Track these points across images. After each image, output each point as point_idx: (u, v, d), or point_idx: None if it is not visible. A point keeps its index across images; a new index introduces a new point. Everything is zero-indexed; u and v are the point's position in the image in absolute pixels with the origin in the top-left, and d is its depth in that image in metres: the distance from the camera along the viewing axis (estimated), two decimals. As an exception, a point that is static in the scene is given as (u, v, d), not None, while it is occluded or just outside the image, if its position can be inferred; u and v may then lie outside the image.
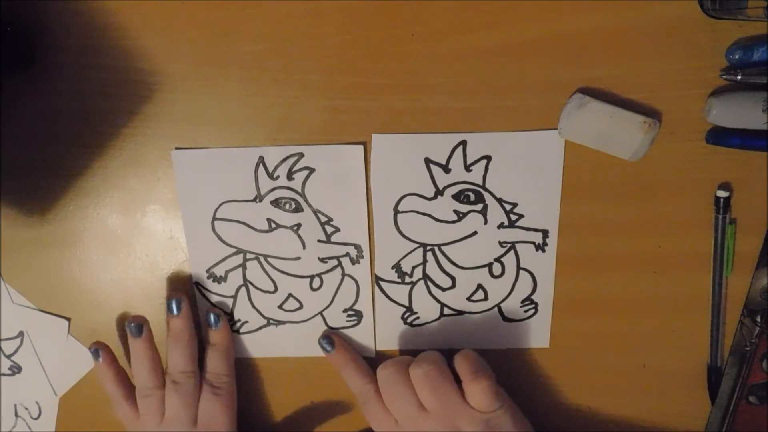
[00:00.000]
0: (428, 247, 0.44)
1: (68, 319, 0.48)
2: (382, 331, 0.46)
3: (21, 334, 0.48)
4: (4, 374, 0.50)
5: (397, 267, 0.44)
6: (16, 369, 0.50)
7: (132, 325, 0.45)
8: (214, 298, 0.46)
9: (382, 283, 0.45)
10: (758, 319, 0.43)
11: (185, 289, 0.46)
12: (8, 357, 0.49)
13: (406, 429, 0.41)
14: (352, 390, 0.45)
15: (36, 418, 0.51)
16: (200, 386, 0.44)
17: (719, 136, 0.40)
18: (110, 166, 0.43)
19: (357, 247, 0.44)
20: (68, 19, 0.40)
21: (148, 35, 0.40)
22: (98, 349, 0.46)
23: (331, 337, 0.46)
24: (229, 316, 0.47)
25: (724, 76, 0.38)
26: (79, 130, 0.43)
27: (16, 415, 0.51)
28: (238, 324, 0.47)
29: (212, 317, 0.45)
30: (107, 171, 0.44)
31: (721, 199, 0.41)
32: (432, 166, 0.42)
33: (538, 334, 0.45)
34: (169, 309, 0.45)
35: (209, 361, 0.45)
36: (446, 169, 0.42)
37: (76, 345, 0.48)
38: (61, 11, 0.40)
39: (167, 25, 0.40)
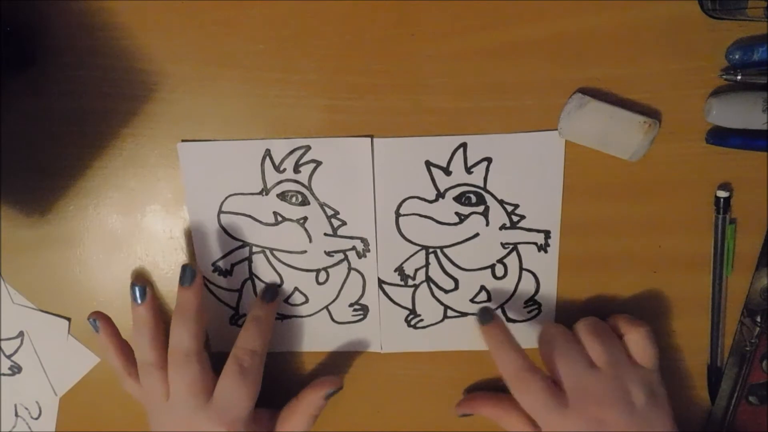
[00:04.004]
0: (430, 250, 0.44)
1: (68, 319, 0.48)
2: (385, 333, 0.46)
3: (21, 334, 0.48)
4: (4, 374, 0.50)
5: (399, 270, 0.44)
6: (16, 369, 0.50)
7: (136, 288, 0.43)
8: (220, 292, 0.46)
9: (384, 285, 0.45)
10: (758, 319, 0.43)
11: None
12: (8, 357, 0.49)
13: (575, 395, 0.39)
14: (502, 368, 0.41)
15: (36, 418, 0.51)
16: (208, 360, 0.42)
17: (719, 136, 0.40)
18: (110, 166, 0.43)
19: (363, 240, 0.44)
20: (68, 19, 0.40)
21: (148, 35, 0.40)
22: (96, 319, 0.44)
23: (490, 309, 0.43)
24: (234, 310, 0.46)
25: (724, 76, 0.38)
26: (79, 130, 0.43)
27: (16, 415, 0.51)
28: (243, 318, 0.46)
29: (271, 290, 0.44)
30: (107, 171, 0.44)
31: (721, 199, 0.41)
32: (433, 169, 0.42)
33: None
34: (181, 279, 0.42)
35: (244, 335, 0.42)
36: (447, 171, 0.42)
37: (76, 345, 0.48)
38: (61, 11, 0.40)
39: (167, 25, 0.40)
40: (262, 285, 0.45)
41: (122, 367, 0.44)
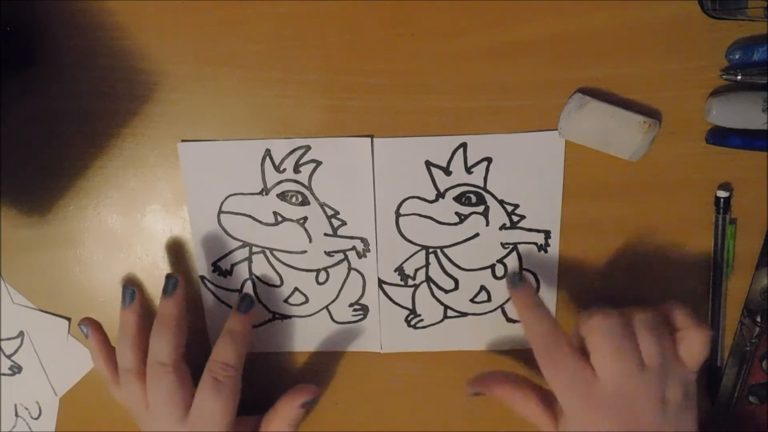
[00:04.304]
0: (430, 250, 0.44)
1: (68, 319, 0.48)
2: (385, 333, 0.46)
3: (21, 334, 0.48)
4: (4, 374, 0.50)
5: (399, 270, 0.44)
6: (16, 369, 0.50)
7: (126, 291, 0.43)
8: (220, 292, 0.46)
9: (385, 286, 0.45)
10: (758, 319, 0.43)
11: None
12: (8, 357, 0.49)
13: (613, 389, 0.36)
14: (530, 332, 0.39)
15: (36, 418, 0.51)
16: (187, 373, 0.42)
17: (719, 136, 0.40)
18: (110, 166, 0.43)
19: (363, 240, 0.44)
20: (68, 19, 0.40)
21: (148, 35, 0.40)
22: (86, 326, 0.44)
23: (520, 273, 0.41)
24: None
25: (724, 76, 0.38)
26: (79, 130, 0.43)
27: (16, 415, 0.51)
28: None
29: (246, 301, 0.44)
30: (107, 171, 0.44)
31: (721, 199, 0.41)
32: (433, 169, 0.42)
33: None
34: (164, 288, 0.42)
35: (218, 348, 0.42)
36: (447, 171, 0.42)
37: (76, 345, 0.48)
38: (61, 11, 0.40)
39: (167, 25, 0.40)
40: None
41: (109, 373, 0.44)
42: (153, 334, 0.41)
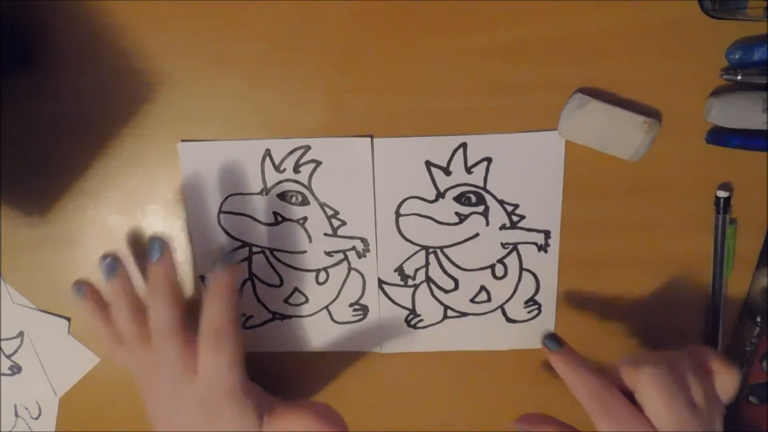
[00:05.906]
0: (430, 250, 0.44)
1: (68, 319, 0.48)
2: (385, 333, 0.46)
3: (21, 334, 0.48)
4: (4, 374, 0.50)
5: (399, 270, 0.44)
6: (16, 369, 0.50)
7: (105, 263, 0.40)
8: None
9: (385, 286, 0.45)
10: (758, 319, 0.43)
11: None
12: (8, 357, 0.49)
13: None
14: (579, 394, 0.38)
15: (36, 418, 0.51)
16: (192, 334, 0.39)
17: (719, 136, 0.40)
18: (110, 166, 0.43)
19: (363, 240, 0.44)
20: (68, 19, 0.40)
21: (148, 35, 0.40)
22: (80, 287, 0.42)
23: (557, 335, 0.40)
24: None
25: (724, 76, 0.38)
26: (79, 130, 0.43)
27: (16, 415, 0.51)
28: (243, 318, 0.46)
29: (221, 258, 0.40)
30: (107, 171, 0.44)
31: (721, 199, 0.41)
32: (433, 169, 0.42)
33: (541, 335, 0.45)
34: (150, 253, 0.40)
35: (206, 311, 0.39)
36: (447, 171, 0.42)
37: (76, 345, 0.48)
38: (61, 11, 0.40)
39: (167, 25, 0.40)
40: (265, 285, 0.45)
41: (110, 332, 0.41)
42: (150, 302, 0.40)
